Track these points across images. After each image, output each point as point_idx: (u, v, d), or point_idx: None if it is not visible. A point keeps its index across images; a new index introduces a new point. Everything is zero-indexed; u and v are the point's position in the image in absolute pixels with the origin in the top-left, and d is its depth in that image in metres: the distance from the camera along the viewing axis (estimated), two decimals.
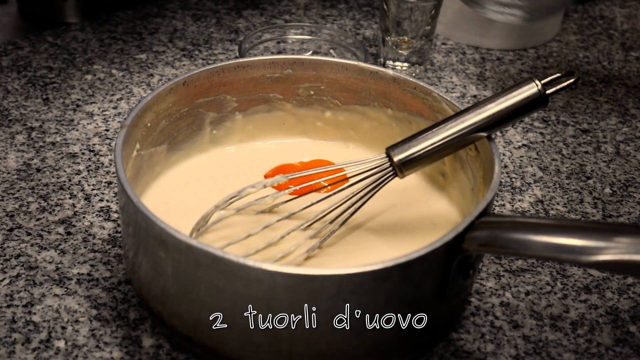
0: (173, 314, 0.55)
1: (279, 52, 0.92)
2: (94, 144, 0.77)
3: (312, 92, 0.70)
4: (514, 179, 0.76)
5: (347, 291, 0.50)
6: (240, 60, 0.68)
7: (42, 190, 0.71)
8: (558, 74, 0.59)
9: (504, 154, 0.80)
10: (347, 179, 0.62)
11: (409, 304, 0.53)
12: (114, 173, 0.73)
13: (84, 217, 0.68)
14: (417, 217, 0.65)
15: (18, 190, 0.71)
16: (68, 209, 0.69)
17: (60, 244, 0.65)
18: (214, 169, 0.69)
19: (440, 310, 0.56)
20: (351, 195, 0.61)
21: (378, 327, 0.53)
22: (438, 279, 0.53)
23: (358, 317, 0.51)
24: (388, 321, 0.53)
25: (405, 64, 0.89)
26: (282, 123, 0.72)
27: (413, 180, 0.69)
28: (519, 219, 0.54)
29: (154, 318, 0.58)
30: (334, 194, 0.61)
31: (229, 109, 0.69)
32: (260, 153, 0.71)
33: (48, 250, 0.65)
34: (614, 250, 0.47)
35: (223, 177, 0.68)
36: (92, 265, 0.64)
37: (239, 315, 0.51)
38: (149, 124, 0.63)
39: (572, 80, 0.59)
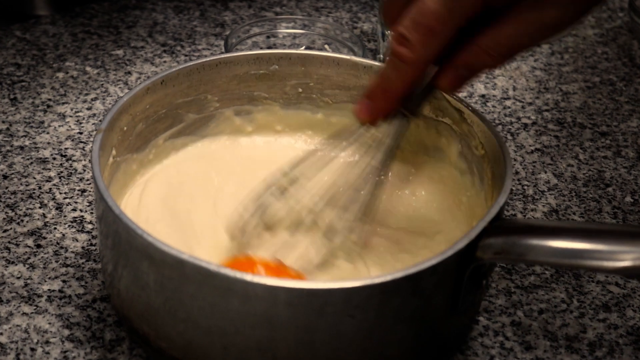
0: (158, 334, 0.55)
1: (269, 48, 0.93)
2: (66, 149, 0.77)
3: (300, 90, 0.71)
4: (526, 187, 0.77)
5: (352, 306, 0.50)
6: (222, 56, 0.68)
7: (10, 199, 0.71)
8: None
9: (515, 159, 0.80)
10: None
11: (418, 319, 0.53)
12: (88, 180, 0.73)
13: (55, 228, 0.68)
14: (420, 222, 0.66)
15: None
16: (38, 219, 0.69)
17: (29, 258, 0.66)
18: (195, 176, 0.69)
19: (451, 324, 0.57)
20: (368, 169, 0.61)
21: (384, 344, 0.53)
22: (450, 290, 0.54)
23: (363, 333, 0.52)
24: (395, 337, 0.53)
25: None
26: (268, 124, 0.72)
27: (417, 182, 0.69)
28: (535, 222, 0.54)
29: (136, 337, 0.58)
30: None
31: (210, 110, 0.70)
32: (244, 158, 0.71)
33: (16, 264, 0.65)
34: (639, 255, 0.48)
35: (205, 184, 0.68)
36: (64, 281, 0.64)
37: (234, 335, 0.52)
38: (125, 128, 0.63)
39: None
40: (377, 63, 0.68)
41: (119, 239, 0.54)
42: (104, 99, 0.84)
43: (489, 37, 0.53)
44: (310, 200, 0.63)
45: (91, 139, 0.78)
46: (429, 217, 0.66)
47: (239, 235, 0.61)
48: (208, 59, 0.67)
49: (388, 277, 0.50)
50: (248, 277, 0.49)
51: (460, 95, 0.88)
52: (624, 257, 0.48)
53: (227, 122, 0.71)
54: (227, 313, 0.51)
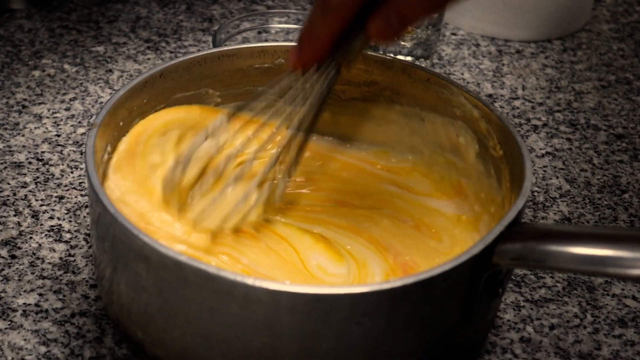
0: (154, 341, 0.56)
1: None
2: (42, 152, 0.77)
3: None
4: (536, 193, 0.77)
5: (359, 313, 0.51)
6: (225, 48, 0.68)
7: None
8: None
9: None
10: None
11: (429, 327, 0.54)
12: (66, 186, 0.74)
13: (30, 238, 0.68)
14: (435, 227, 0.66)
15: None
16: (12, 228, 0.69)
17: (3, 269, 0.66)
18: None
19: (464, 334, 0.57)
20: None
21: (393, 354, 0.53)
22: (464, 297, 0.54)
23: (370, 342, 0.52)
24: (404, 347, 0.53)
25: (409, 58, 0.90)
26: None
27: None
28: (555, 227, 0.54)
29: (133, 347, 0.58)
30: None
31: (211, 105, 0.70)
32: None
33: None
34: None
35: None
36: (40, 294, 0.64)
37: (234, 342, 0.52)
38: (121, 123, 0.63)
39: None
40: (388, 57, 0.68)
41: (115, 241, 0.54)
42: (83, 98, 0.84)
43: None
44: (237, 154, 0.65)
45: (69, 142, 0.78)
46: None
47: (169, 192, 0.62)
48: (210, 51, 0.68)
49: (398, 283, 0.50)
50: (249, 280, 0.50)
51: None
52: None
53: None
54: (227, 318, 0.51)
